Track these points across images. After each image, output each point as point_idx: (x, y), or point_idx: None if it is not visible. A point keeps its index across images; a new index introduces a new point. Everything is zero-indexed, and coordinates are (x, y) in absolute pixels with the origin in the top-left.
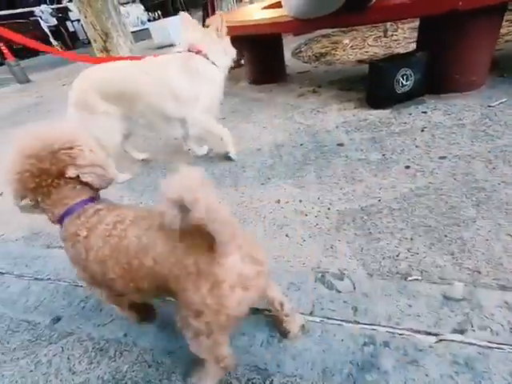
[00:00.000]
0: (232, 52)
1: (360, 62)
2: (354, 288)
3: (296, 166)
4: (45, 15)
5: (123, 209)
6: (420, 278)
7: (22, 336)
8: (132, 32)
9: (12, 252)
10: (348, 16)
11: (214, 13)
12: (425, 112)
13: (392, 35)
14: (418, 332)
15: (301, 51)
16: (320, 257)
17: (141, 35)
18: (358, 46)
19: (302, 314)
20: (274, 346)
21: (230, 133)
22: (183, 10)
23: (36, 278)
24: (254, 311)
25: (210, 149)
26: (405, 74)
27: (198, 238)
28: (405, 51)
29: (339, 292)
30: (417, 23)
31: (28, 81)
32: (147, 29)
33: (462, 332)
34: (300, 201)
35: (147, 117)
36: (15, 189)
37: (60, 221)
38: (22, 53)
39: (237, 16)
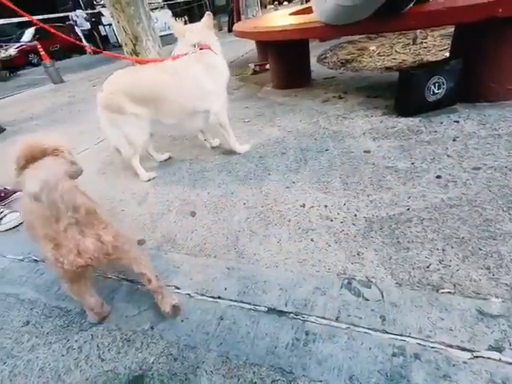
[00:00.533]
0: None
1: (387, 69)
2: (382, 297)
3: (321, 171)
4: (79, 20)
5: None
6: (453, 291)
7: (55, 321)
8: (160, 36)
9: None
10: (381, 22)
11: (239, 18)
12: (457, 121)
13: (421, 42)
14: (451, 346)
15: (326, 57)
16: (346, 263)
17: (168, 39)
18: (386, 53)
19: (328, 319)
20: (299, 350)
21: (255, 136)
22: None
23: None
24: (279, 313)
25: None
26: (437, 82)
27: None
28: (435, 59)
29: (366, 300)
30: (448, 30)
31: (62, 81)
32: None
33: (499, 350)
34: (325, 206)
35: (174, 115)
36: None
37: None
38: (58, 55)
39: (263, 22)
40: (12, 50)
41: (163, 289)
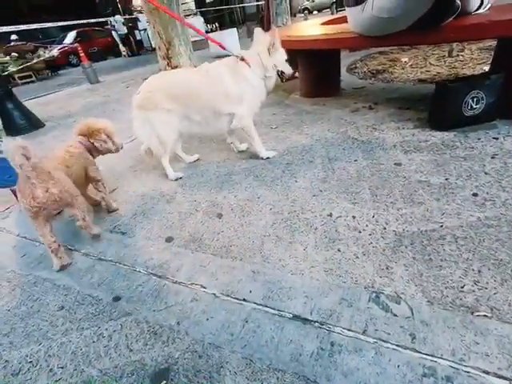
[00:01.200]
0: (271, 69)
1: (421, 81)
2: (412, 314)
3: (349, 181)
4: (118, 24)
5: None
6: (489, 315)
7: (87, 309)
8: (191, 42)
9: (80, 233)
10: (418, 34)
11: (269, 26)
12: (496, 138)
13: (457, 55)
14: (487, 373)
15: (356, 67)
16: (374, 276)
17: (198, 45)
18: (419, 65)
19: (355, 332)
20: (324, 360)
21: (282, 143)
22: (240, 24)
23: (100, 259)
24: (304, 321)
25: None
26: (475, 97)
27: None
28: (472, 73)
29: (395, 316)
30: (486, 44)
31: (98, 81)
32: (204, 39)
33: None
34: (353, 217)
35: (202, 113)
36: None
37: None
38: (96, 56)
39: (295, 31)
40: (55, 51)
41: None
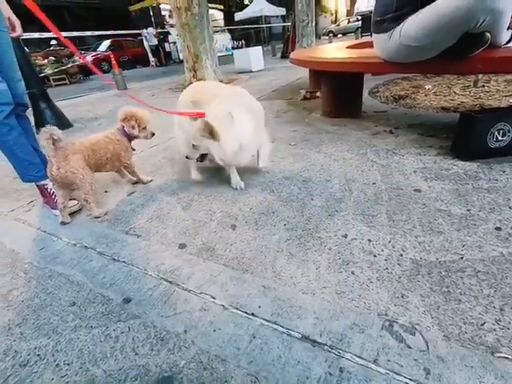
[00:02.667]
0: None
1: (444, 109)
2: (428, 348)
3: (367, 203)
4: (149, 36)
5: None
6: (511, 356)
7: (98, 307)
8: (218, 56)
9: (97, 231)
10: (444, 64)
11: (294, 46)
12: None
13: (483, 86)
14: None
15: (378, 91)
16: (388, 304)
17: (224, 60)
18: (443, 93)
19: (365, 360)
20: None
21: (300, 160)
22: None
23: (113, 259)
24: (312, 342)
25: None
26: (502, 129)
27: None
28: (498, 105)
29: (409, 347)
30: None
31: (126, 88)
32: (230, 55)
33: None
34: (369, 240)
35: None
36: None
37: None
38: (126, 65)
39: (319, 53)
40: (89, 58)
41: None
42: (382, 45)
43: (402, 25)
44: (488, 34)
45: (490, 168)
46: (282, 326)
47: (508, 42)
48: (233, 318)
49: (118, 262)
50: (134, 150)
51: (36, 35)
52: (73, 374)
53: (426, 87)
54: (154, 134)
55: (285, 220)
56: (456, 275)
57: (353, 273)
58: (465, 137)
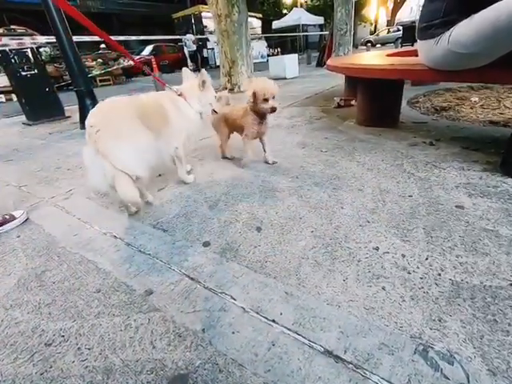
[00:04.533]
0: (206, 102)
1: (492, 123)
2: (468, 381)
3: (402, 216)
4: (189, 42)
5: None
6: None
7: (121, 296)
8: (254, 63)
9: (126, 223)
10: (501, 72)
11: (330, 55)
12: None
13: None
14: None
15: (418, 101)
16: (423, 326)
17: (259, 67)
18: (491, 106)
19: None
20: None
21: (331, 167)
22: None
23: (140, 251)
24: (336, 358)
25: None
26: None
27: None
28: None
29: (446, 378)
30: None
31: (163, 90)
32: (265, 62)
33: None
34: (403, 255)
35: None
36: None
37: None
38: (165, 69)
39: (357, 59)
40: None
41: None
42: (427, 52)
43: (450, 30)
44: None
45: None
46: (304, 337)
47: None
48: (252, 322)
49: (144, 254)
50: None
51: (86, 38)
52: (92, 359)
53: (472, 99)
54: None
55: (312, 227)
56: (504, 303)
57: (383, 288)
58: None
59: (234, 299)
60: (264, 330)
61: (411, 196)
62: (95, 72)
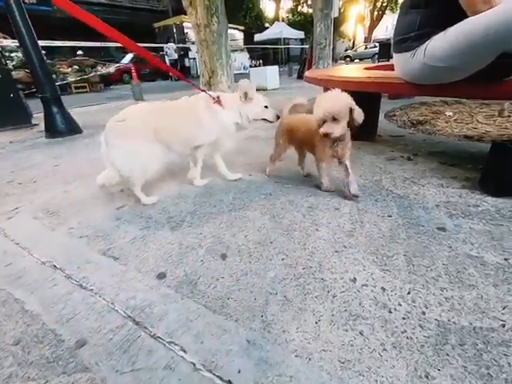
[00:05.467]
0: (245, 116)
1: (467, 137)
2: None
3: (381, 240)
4: (170, 51)
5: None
6: None
7: (44, 351)
8: (235, 74)
9: (73, 249)
10: (476, 87)
11: (310, 67)
12: None
13: (509, 116)
14: None
15: (395, 115)
16: None
17: (241, 77)
18: (465, 121)
19: None
20: None
21: (308, 182)
22: (283, 63)
23: (81, 285)
24: None
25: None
26: None
27: None
28: None
29: None
30: None
31: (142, 99)
32: (247, 73)
33: None
34: (383, 289)
35: (182, 145)
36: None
37: None
38: (146, 77)
39: (336, 71)
40: (112, 69)
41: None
42: (404, 65)
43: (426, 43)
44: None
45: None
46: None
47: None
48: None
49: (85, 290)
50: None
51: (58, 43)
52: None
53: (447, 114)
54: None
55: (283, 253)
56: (497, 351)
57: (361, 333)
58: (497, 170)
59: (185, 351)
60: None
61: (390, 216)
62: (70, 79)
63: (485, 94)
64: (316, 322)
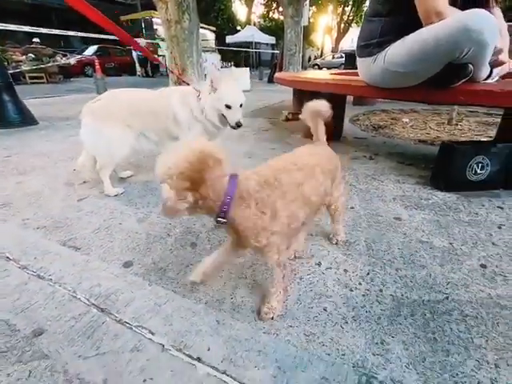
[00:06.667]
0: (201, 108)
1: (421, 141)
2: None
3: (344, 229)
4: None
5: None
6: None
7: None
8: (205, 74)
9: (28, 240)
10: (429, 92)
11: (280, 71)
12: (501, 207)
13: (456, 124)
14: None
15: (359, 119)
16: (366, 352)
17: None
18: (419, 127)
19: None
20: None
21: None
22: (254, 67)
23: (38, 275)
24: None
25: None
26: (480, 163)
27: None
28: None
29: None
30: (483, 119)
31: None
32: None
33: None
34: (345, 270)
35: (159, 134)
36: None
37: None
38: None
39: (305, 75)
40: (72, 60)
41: None
42: (366, 69)
43: (386, 50)
44: (471, 66)
45: (469, 201)
46: (234, 378)
47: (486, 79)
48: (172, 363)
49: (42, 280)
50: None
51: (12, 27)
52: None
53: (404, 120)
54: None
55: None
56: (442, 319)
57: (325, 309)
58: (444, 167)
59: (152, 333)
60: (186, 372)
61: (353, 208)
62: (24, 67)
63: (436, 99)
64: (284, 302)
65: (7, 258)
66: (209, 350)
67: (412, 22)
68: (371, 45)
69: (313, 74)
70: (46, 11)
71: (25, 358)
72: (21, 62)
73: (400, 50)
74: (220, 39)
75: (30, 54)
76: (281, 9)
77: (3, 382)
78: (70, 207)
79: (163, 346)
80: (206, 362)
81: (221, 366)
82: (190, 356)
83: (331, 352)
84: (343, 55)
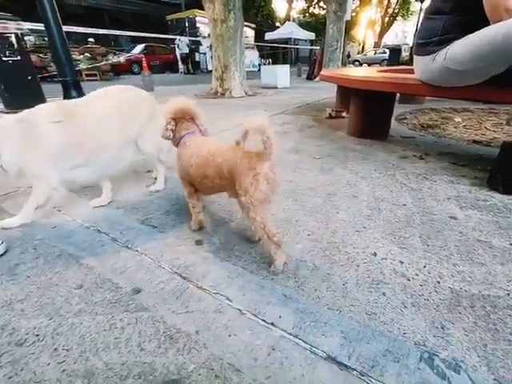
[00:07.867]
0: None
1: (476, 142)
2: None
3: (397, 224)
4: (182, 44)
5: (206, 139)
6: None
7: (105, 294)
8: (247, 71)
9: (112, 218)
10: (493, 92)
11: (320, 69)
12: None
13: None
14: None
15: (405, 118)
16: (427, 334)
17: (250, 75)
18: (473, 127)
19: None
20: None
21: (325, 173)
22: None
23: (126, 246)
24: (340, 365)
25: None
26: None
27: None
28: None
29: None
30: None
31: (152, 90)
32: (256, 71)
33: None
34: (401, 262)
35: None
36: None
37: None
38: (156, 69)
39: (353, 72)
40: (122, 58)
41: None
42: (423, 67)
43: (447, 48)
44: None
45: None
46: (305, 342)
47: None
48: (250, 324)
49: (131, 251)
50: None
51: (75, 29)
52: (71, 361)
53: (456, 120)
54: None
55: (308, 230)
56: (503, 312)
57: (384, 294)
58: (506, 169)
59: (230, 300)
60: (262, 333)
61: (405, 205)
62: (82, 66)
63: (497, 98)
64: (343, 285)
65: (98, 230)
66: (280, 317)
67: (476, 20)
68: (431, 43)
69: (359, 72)
70: (97, 13)
71: (131, 309)
72: (79, 60)
73: (463, 48)
74: (259, 36)
75: (87, 54)
76: (322, 3)
77: (117, 324)
78: (141, 192)
79: (240, 310)
80: (280, 327)
81: (293, 332)
82: (264, 321)
83: (392, 330)
84: (386, 50)
